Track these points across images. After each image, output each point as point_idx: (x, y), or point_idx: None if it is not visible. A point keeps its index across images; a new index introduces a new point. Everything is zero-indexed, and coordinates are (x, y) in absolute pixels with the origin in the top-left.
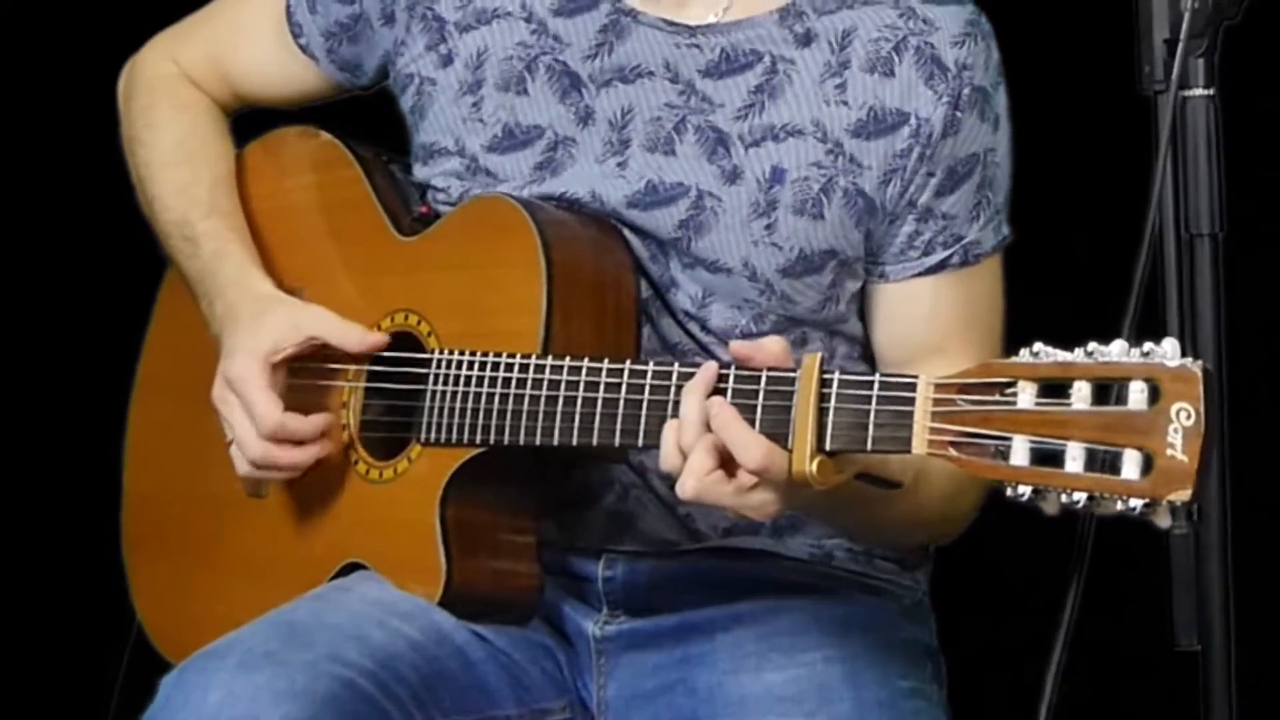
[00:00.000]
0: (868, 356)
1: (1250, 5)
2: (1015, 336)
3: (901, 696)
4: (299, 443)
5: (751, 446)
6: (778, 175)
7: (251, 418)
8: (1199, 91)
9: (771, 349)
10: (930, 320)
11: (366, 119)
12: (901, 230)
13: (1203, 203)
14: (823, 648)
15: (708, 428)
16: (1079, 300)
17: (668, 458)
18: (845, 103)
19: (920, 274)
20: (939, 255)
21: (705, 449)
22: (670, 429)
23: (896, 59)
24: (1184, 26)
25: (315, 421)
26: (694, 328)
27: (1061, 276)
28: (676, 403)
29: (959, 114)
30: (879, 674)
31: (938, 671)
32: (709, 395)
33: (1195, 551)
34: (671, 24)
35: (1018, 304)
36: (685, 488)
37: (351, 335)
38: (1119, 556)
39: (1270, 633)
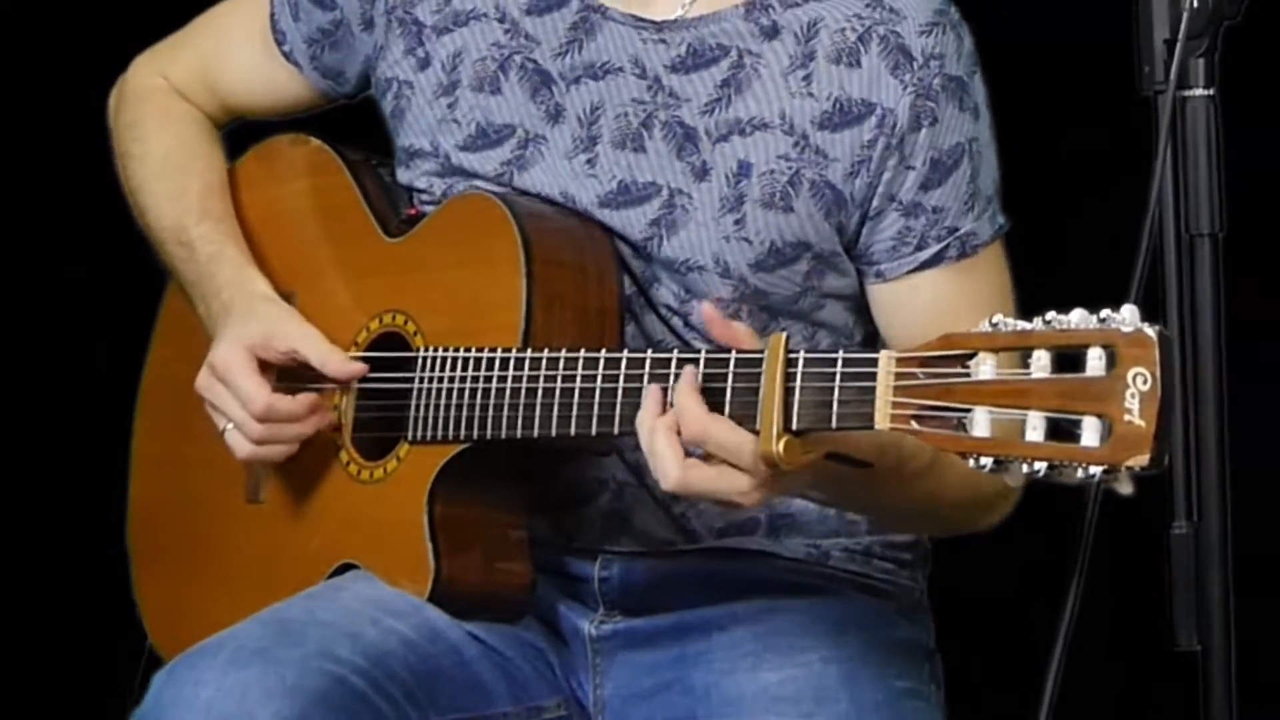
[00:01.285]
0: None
1: (1250, 5)
2: None
3: (899, 697)
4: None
5: (687, 411)
6: (744, 169)
7: (240, 401)
8: (1199, 91)
9: (738, 331)
10: (932, 310)
11: (357, 125)
12: (888, 227)
13: (1203, 203)
14: (820, 648)
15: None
16: (1078, 300)
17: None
18: (811, 95)
19: (916, 269)
20: (933, 249)
21: (666, 429)
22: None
23: (862, 49)
24: (1184, 26)
25: (303, 400)
26: (677, 323)
27: (1061, 276)
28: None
29: (932, 104)
30: (876, 674)
31: (935, 672)
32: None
33: (1195, 551)
34: (639, 19)
35: (1017, 303)
36: (668, 477)
37: (331, 359)
38: (1119, 556)
39: (1270, 633)
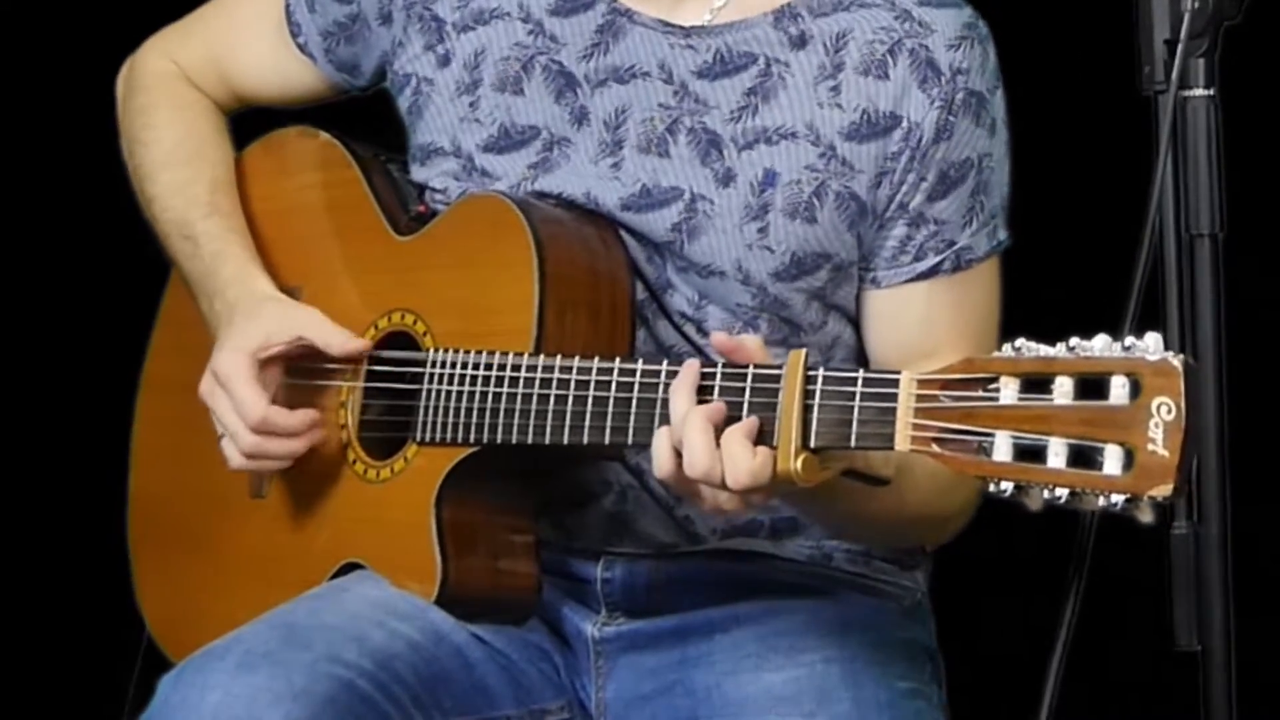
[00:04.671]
0: (863, 361)
1: (1250, 5)
2: (1014, 337)
3: (900, 697)
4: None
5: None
6: (770, 178)
7: (237, 411)
8: (1199, 92)
9: (749, 346)
10: (922, 325)
11: (365, 119)
12: (892, 235)
13: (1203, 203)
14: (822, 648)
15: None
16: (1079, 300)
17: (662, 464)
18: (839, 105)
19: (912, 279)
20: (930, 261)
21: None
22: (663, 433)
23: (891, 61)
24: (1184, 27)
25: (300, 416)
26: (690, 330)
27: (1062, 276)
28: (665, 400)
29: (951, 118)
30: (878, 675)
31: (937, 672)
32: (695, 393)
33: (1195, 551)
34: (667, 24)
35: (1017, 304)
36: (695, 466)
37: (334, 338)
38: (1119, 556)
39: (1270, 633)
